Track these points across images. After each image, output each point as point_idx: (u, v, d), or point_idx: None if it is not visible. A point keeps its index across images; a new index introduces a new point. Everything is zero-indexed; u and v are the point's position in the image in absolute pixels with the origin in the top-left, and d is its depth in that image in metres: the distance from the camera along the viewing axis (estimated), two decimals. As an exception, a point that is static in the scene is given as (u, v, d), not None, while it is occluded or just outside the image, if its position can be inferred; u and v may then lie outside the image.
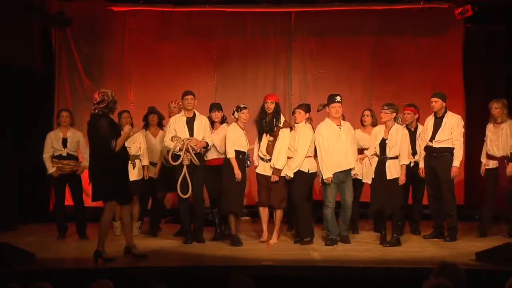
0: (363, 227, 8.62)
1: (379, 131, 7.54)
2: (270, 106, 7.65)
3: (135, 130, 6.87)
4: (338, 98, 7.57)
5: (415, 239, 8.01)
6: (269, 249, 7.42)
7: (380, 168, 7.41)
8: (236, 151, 7.51)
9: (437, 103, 7.80)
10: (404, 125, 8.27)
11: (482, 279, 5.53)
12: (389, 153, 7.37)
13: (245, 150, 7.67)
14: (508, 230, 7.90)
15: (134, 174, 7.85)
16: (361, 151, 7.92)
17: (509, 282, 3.74)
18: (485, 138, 8.03)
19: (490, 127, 8.00)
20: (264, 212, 7.76)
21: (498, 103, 7.90)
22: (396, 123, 7.47)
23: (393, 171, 7.35)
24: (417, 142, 8.06)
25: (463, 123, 7.93)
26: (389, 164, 7.37)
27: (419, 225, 8.37)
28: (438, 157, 7.77)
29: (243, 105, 7.65)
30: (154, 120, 8.42)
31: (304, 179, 7.55)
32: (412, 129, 8.16)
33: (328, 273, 6.07)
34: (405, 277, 5.77)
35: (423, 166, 7.90)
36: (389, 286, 5.82)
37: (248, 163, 7.83)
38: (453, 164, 7.71)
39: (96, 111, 6.46)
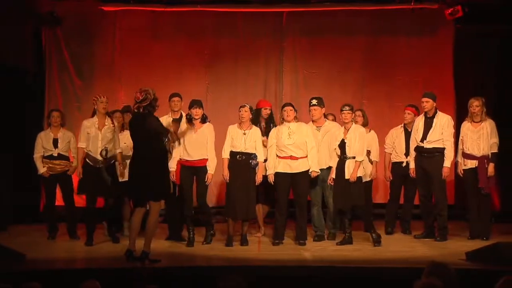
0: (354, 227, 8.62)
1: (339, 133, 7.60)
2: (268, 112, 8.07)
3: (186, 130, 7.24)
4: (313, 102, 7.83)
5: (406, 238, 8.05)
6: (260, 249, 7.42)
7: (340, 168, 7.46)
8: (231, 152, 7.49)
9: (428, 103, 7.82)
10: (402, 125, 8.33)
11: (472, 279, 5.55)
12: (349, 152, 7.42)
13: (243, 150, 7.47)
14: (486, 232, 7.79)
15: (126, 175, 7.79)
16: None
17: (499, 283, 3.76)
18: (461, 137, 7.95)
19: (468, 126, 7.89)
20: (259, 209, 8.07)
21: (479, 101, 7.83)
22: (353, 123, 7.58)
23: (352, 170, 7.39)
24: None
25: (453, 123, 7.96)
26: (348, 163, 7.42)
27: (410, 225, 8.41)
28: (429, 157, 7.78)
29: (243, 104, 7.63)
30: (126, 119, 8.21)
31: (309, 179, 7.61)
32: (409, 130, 8.20)
33: (319, 273, 6.08)
34: (396, 276, 5.79)
35: (413, 166, 7.93)
36: (380, 286, 5.84)
37: (253, 163, 7.52)
38: (444, 165, 7.73)
39: (141, 110, 6.49)
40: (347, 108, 7.50)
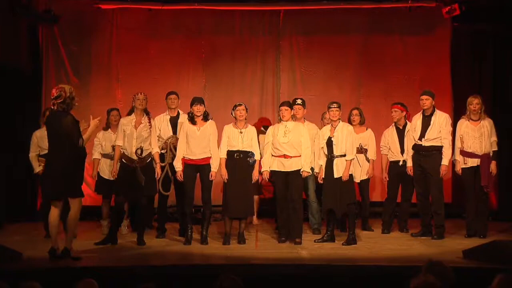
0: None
1: (325, 131, 7.57)
2: None
3: (96, 124, 6.67)
4: (298, 101, 8.00)
5: (403, 237, 8.05)
6: (257, 247, 7.42)
7: (329, 167, 7.44)
8: (228, 151, 7.49)
9: (427, 101, 7.81)
10: (393, 124, 8.33)
11: (469, 277, 5.55)
12: (336, 151, 7.39)
13: (240, 149, 7.47)
14: (483, 230, 7.79)
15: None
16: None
17: (495, 281, 3.76)
18: (459, 135, 7.92)
19: (467, 124, 7.88)
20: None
21: (478, 99, 7.84)
22: (340, 121, 7.53)
23: (341, 169, 7.37)
24: (405, 140, 8.11)
25: (451, 121, 7.96)
26: (336, 162, 7.39)
27: (407, 223, 8.41)
28: (427, 155, 7.78)
29: (239, 103, 7.62)
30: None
31: (302, 178, 7.60)
32: (401, 127, 8.23)
33: (317, 271, 6.08)
34: (393, 275, 5.79)
35: (411, 165, 7.93)
36: (377, 284, 5.84)
37: (251, 161, 7.54)
38: (442, 163, 7.73)
39: (55, 107, 6.40)
40: (334, 105, 7.45)
